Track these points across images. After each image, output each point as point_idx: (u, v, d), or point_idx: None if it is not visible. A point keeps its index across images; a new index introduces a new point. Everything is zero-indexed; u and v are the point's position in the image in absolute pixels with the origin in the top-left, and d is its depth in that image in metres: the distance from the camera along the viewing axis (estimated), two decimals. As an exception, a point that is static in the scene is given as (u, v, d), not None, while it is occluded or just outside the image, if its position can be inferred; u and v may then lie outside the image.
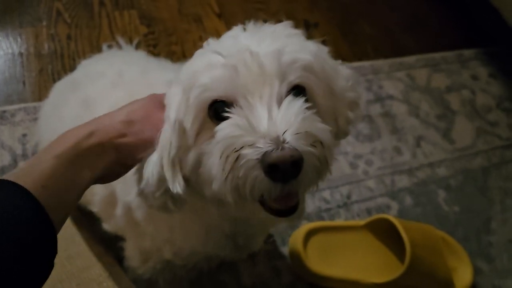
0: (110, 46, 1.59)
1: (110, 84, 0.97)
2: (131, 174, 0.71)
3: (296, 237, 1.24)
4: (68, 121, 0.95)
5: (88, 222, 1.05)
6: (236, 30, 0.67)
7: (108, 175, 0.66)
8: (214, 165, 0.58)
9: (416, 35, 2.06)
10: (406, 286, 1.18)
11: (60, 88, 1.12)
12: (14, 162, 1.32)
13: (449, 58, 1.98)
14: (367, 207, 1.44)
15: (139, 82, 0.97)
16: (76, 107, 0.97)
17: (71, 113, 0.96)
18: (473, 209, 1.50)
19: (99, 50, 1.62)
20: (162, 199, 0.66)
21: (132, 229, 0.92)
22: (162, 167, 0.63)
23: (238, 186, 0.55)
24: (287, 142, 0.52)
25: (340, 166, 1.51)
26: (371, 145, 1.60)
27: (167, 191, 0.65)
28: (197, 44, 1.73)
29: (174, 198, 0.66)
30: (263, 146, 0.52)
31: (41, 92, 1.50)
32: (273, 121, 0.55)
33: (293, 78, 0.60)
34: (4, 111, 1.42)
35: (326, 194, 1.42)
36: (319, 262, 1.22)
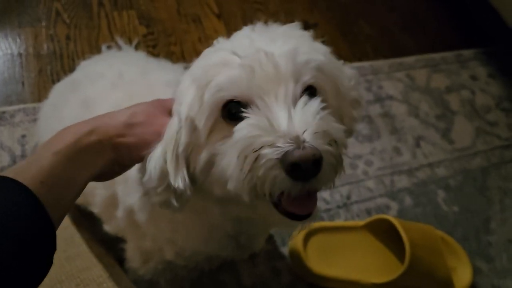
0: (109, 47, 1.59)
1: (110, 85, 0.97)
2: (133, 175, 0.70)
3: (296, 238, 1.24)
4: (68, 122, 0.93)
5: (89, 223, 1.05)
6: (247, 30, 0.67)
7: (106, 174, 0.66)
8: (230, 165, 0.58)
9: (416, 35, 2.06)
10: (406, 286, 1.18)
11: (59, 89, 1.11)
12: (13, 163, 1.31)
13: (448, 59, 1.98)
14: (366, 207, 1.44)
15: (139, 83, 0.97)
16: (75, 108, 0.97)
17: (70, 114, 0.96)
18: (472, 209, 1.50)
19: (98, 50, 1.62)
20: (165, 195, 0.66)
21: (133, 231, 0.92)
22: (165, 161, 0.63)
23: (256, 185, 0.55)
24: (307, 142, 0.53)
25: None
26: (370, 146, 1.60)
27: (170, 186, 0.64)
28: (196, 45, 1.73)
29: (177, 194, 0.65)
30: (283, 145, 0.53)
31: (40, 93, 1.49)
32: (292, 121, 0.55)
33: (307, 78, 0.61)
34: (3, 112, 1.42)
35: (326, 194, 1.42)
36: (319, 263, 1.22)
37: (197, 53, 0.68)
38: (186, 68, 0.70)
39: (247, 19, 1.90)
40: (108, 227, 0.98)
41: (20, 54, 1.60)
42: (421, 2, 2.24)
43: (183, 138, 0.62)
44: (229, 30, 1.81)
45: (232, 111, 0.60)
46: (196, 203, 0.73)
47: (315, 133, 0.54)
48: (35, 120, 1.37)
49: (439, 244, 1.26)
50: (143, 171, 0.66)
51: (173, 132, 0.63)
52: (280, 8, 2.00)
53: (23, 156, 1.33)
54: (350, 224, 1.31)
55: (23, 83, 1.52)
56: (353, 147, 1.57)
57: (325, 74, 0.64)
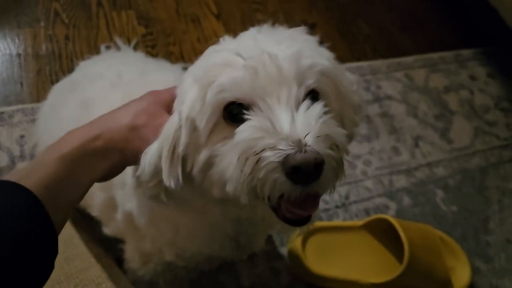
0: (108, 47, 1.59)
1: (109, 86, 0.97)
2: (130, 181, 0.70)
3: (295, 238, 1.24)
4: (67, 122, 0.95)
5: (87, 224, 1.05)
6: (253, 31, 0.67)
7: (108, 176, 0.67)
8: (230, 166, 0.57)
9: (414, 35, 2.06)
10: (405, 286, 1.18)
11: (58, 89, 1.11)
12: (12, 163, 1.31)
13: (447, 58, 1.98)
14: (365, 207, 1.44)
15: (138, 83, 0.97)
16: (74, 108, 0.97)
17: (69, 115, 0.96)
18: (471, 208, 1.50)
19: (97, 50, 1.62)
20: (155, 190, 0.66)
21: (133, 232, 0.92)
22: (160, 158, 0.63)
23: (256, 188, 0.55)
24: (309, 145, 0.52)
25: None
26: (369, 145, 1.60)
27: (162, 182, 0.64)
28: (195, 45, 1.73)
29: (168, 191, 0.65)
30: (285, 148, 0.52)
31: (39, 93, 1.49)
32: (294, 124, 0.55)
33: (311, 82, 0.61)
34: (2, 112, 1.42)
35: (324, 194, 1.41)
36: (318, 263, 1.22)
37: (196, 53, 0.68)
38: (185, 68, 0.70)
39: (246, 19, 1.90)
40: (107, 230, 0.98)
41: (18, 55, 1.60)
42: (419, 2, 2.24)
43: (183, 138, 0.62)
44: (228, 30, 1.81)
45: (233, 112, 0.60)
46: (196, 202, 0.73)
47: (317, 137, 0.54)
48: (33, 120, 1.37)
49: (438, 244, 1.26)
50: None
51: (172, 130, 0.63)
52: (279, 8, 2.00)
53: (21, 156, 1.33)
54: (349, 224, 1.31)
55: (21, 84, 1.52)
56: (352, 147, 1.57)
57: (328, 79, 0.64)
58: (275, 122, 0.55)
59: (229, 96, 0.59)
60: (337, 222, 1.37)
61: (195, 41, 1.76)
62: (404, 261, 1.14)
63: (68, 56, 1.62)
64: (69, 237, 0.90)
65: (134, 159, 0.65)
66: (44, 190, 0.52)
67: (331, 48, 0.69)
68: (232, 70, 0.59)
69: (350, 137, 0.73)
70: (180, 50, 1.73)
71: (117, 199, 0.88)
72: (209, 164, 0.62)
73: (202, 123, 0.60)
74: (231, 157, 0.57)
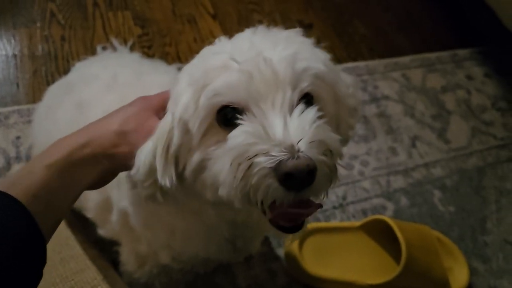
0: (104, 48, 1.59)
1: (104, 87, 0.96)
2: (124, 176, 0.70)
3: (291, 239, 1.23)
4: (62, 124, 0.94)
5: (83, 225, 1.04)
6: (248, 32, 0.66)
7: (99, 183, 0.67)
8: (223, 171, 0.57)
9: (411, 35, 2.06)
10: (402, 287, 1.18)
11: (54, 90, 1.11)
12: (8, 165, 1.31)
13: (443, 58, 1.98)
14: (362, 208, 1.44)
15: (133, 84, 0.96)
16: (70, 109, 0.96)
17: (65, 116, 0.96)
18: (468, 209, 1.50)
19: (93, 51, 1.62)
20: (151, 189, 0.66)
21: (128, 234, 0.92)
22: (154, 157, 0.63)
23: (249, 193, 0.55)
24: (302, 151, 0.52)
25: (335, 167, 1.50)
26: (366, 146, 1.60)
27: (157, 181, 0.64)
28: (191, 45, 1.73)
29: (164, 190, 0.65)
30: (278, 154, 0.52)
31: (35, 94, 1.49)
32: (287, 130, 0.54)
33: (305, 86, 0.60)
34: (-2, 114, 1.41)
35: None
36: (315, 264, 1.22)
37: (192, 54, 0.68)
38: (181, 69, 0.69)
39: (242, 19, 1.90)
40: (102, 231, 0.98)
41: (14, 55, 1.59)
42: (416, 2, 2.24)
43: (175, 140, 0.62)
44: (225, 30, 1.81)
45: (227, 116, 0.59)
46: (192, 203, 0.73)
47: (310, 142, 0.53)
48: (29, 121, 1.36)
49: (435, 244, 1.26)
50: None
51: (166, 129, 0.63)
52: (275, 8, 2.00)
53: (17, 157, 1.33)
54: (346, 224, 1.31)
55: (17, 84, 1.51)
56: (349, 147, 1.57)
57: (323, 82, 0.64)
58: (268, 127, 0.55)
59: (223, 100, 0.59)
60: (334, 223, 1.36)
61: (191, 42, 1.75)
62: (401, 262, 1.13)
63: (64, 57, 1.61)
64: (64, 238, 0.89)
65: (123, 165, 0.65)
66: (32, 199, 0.52)
67: (328, 49, 0.69)
68: (227, 74, 0.59)
69: (345, 140, 0.73)
70: (177, 51, 1.72)
71: (113, 198, 0.87)
72: (201, 167, 0.62)
73: (195, 126, 0.60)
74: (224, 161, 0.57)
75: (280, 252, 1.28)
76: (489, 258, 1.40)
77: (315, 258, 1.23)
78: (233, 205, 0.58)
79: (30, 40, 1.64)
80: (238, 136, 0.56)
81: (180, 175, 0.65)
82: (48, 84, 1.43)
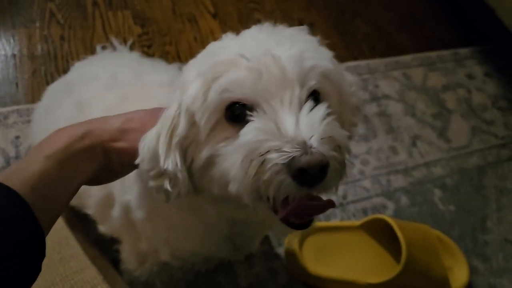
0: (104, 47, 1.59)
1: (104, 87, 0.96)
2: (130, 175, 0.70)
3: (292, 238, 1.23)
4: (62, 123, 0.93)
5: (83, 225, 1.04)
6: (254, 30, 0.67)
7: (97, 179, 0.67)
8: (234, 167, 0.57)
9: (412, 34, 2.06)
10: (402, 286, 1.18)
11: (53, 90, 1.11)
12: (7, 164, 1.31)
13: (444, 57, 1.98)
14: (363, 207, 1.44)
15: (133, 84, 0.96)
16: (69, 109, 0.96)
17: (64, 116, 0.96)
18: (468, 208, 1.50)
19: (92, 51, 1.62)
20: (159, 180, 0.65)
21: (129, 231, 0.92)
22: (158, 143, 0.63)
23: (260, 189, 0.55)
24: (314, 147, 0.53)
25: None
26: (367, 145, 1.60)
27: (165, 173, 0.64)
28: (191, 44, 1.73)
29: (171, 180, 0.64)
30: (290, 150, 0.53)
31: (34, 94, 1.49)
32: (299, 126, 0.55)
33: (313, 83, 0.61)
34: (-2, 113, 1.41)
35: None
36: (315, 263, 1.22)
37: (193, 53, 0.68)
38: (181, 68, 0.69)
39: (243, 19, 1.90)
40: (103, 228, 0.98)
41: (14, 55, 1.59)
42: (418, 1, 2.24)
43: (181, 130, 0.62)
44: (225, 29, 1.80)
45: (235, 113, 0.60)
46: (190, 199, 0.72)
47: (322, 138, 0.54)
48: (29, 121, 1.36)
49: (436, 243, 1.26)
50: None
51: (170, 116, 0.63)
52: (276, 7, 1.99)
53: (17, 157, 1.33)
54: (346, 224, 1.31)
55: (17, 84, 1.51)
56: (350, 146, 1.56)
57: (330, 80, 0.64)
58: (280, 124, 0.55)
59: (232, 97, 0.59)
60: (334, 222, 1.36)
61: (191, 41, 1.75)
62: (401, 261, 1.13)
63: (63, 57, 1.61)
64: (64, 238, 0.89)
65: (119, 163, 0.65)
66: (30, 190, 0.52)
67: (329, 47, 0.69)
68: (236, 70, 0.59)
69: (349, 138, 0.73)
70: (177, 50, 1.72)
71: (115, 193, 0.87)
72: (210, 163, 0.62)
73: (202, 120, 0.60)
74: (234, 158, 0.57)
75: (281, 251, 1.28)
76: (489, 257, 1.39)
77: (316, 257, 1.23)
78: (242, 201, 0.58)
79: (29, 40, 1.64)
80: (250, 132, 0.57)
81: (188, 170, 0.65)
82: (48, 84, 1.43)
